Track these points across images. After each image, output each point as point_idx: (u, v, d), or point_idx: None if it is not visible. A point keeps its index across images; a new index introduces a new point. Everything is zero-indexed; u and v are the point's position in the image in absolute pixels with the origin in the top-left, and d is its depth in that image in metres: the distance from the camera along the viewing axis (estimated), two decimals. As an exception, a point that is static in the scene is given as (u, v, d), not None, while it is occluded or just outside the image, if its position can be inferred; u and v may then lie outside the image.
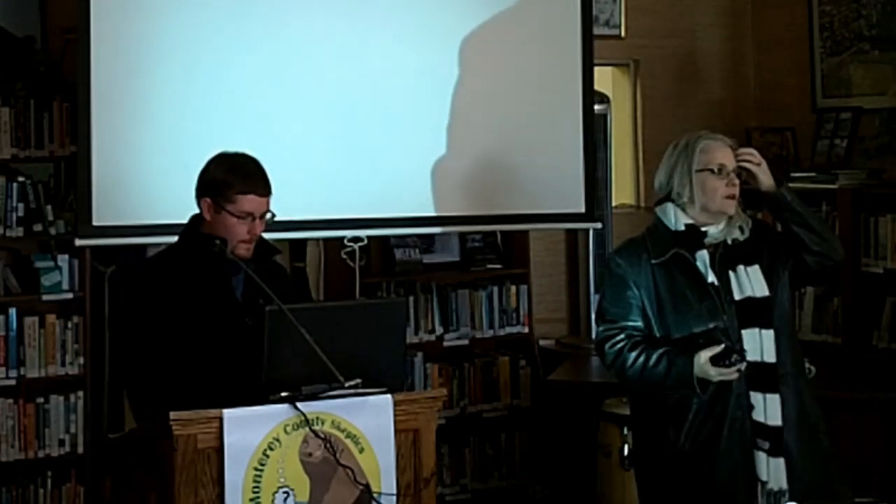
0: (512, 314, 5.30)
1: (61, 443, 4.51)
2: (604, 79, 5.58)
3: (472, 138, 4.72)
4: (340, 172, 4.48)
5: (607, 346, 3.30)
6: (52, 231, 4.49)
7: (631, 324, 3.29)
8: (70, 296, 4.53)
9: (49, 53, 4.66)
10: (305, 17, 4.44)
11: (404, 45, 4.59)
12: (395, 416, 2.98)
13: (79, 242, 4.23)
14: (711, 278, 3.24)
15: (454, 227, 4.76)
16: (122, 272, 4.39)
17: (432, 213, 4.66)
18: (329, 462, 2.89)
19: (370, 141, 4.53)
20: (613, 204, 5.49)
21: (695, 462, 3.24)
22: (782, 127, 5.60)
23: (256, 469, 2.84)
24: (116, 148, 4.18)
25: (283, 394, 2.87)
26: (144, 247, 4.32)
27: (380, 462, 2.95)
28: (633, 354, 3.24)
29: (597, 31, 5.10)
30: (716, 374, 3.15)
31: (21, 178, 4.47)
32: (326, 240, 4.85)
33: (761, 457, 3.23)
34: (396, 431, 2.98)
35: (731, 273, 3.28)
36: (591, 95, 4.94)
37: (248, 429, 2.83)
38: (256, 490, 2.84)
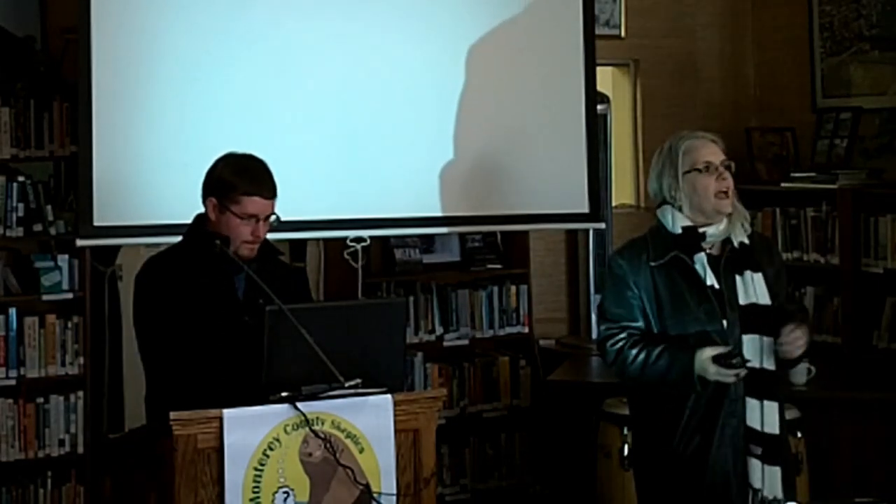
0: (512, 314, 5.30)
1: (61, 443, 4.51)
2: (604, 79, 5.57)
3: (473, 139, 4.71)
4: (341, 172, 4.48)
5: (608, 344, 3.30)
6: (52, 231, 4.49)
7: (632, 324, 3.29)
8: (70, 296, 4.53)
9: (49, 53, 4.66)
10: (306, 16, 4.44)
11: (405, 46, 4.59)
12: (395, 416, 2.98)
13: (79, 242, 4.22)
14: (710, 281, 3.23)
15: (454, 227, 4.76)
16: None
17: (433, 214, 4.65)
18: (329, 462, 2.90)
19: (371, 141, 4.53)
20: (613, 204, 5.49)
21: (689, 465, 3.23)
22: (782, 127, 5.60)
23: (256, 469, 2.84)
24: (116, 148, 4.18)
25: (283, 394, 2.87)
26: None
27: (380, 462, 2.95)
28: (634, 352, 3.24)
29: (597, 31, 5.09)
30: (714, 371, 3.13)
31: (21, 178, 4.47)
32: (327, 240, 4.85)
33: (755, 464, 3.22)
34: (396, 431, 2.98)
35: (737, 277, 3.26)
36: (593, 95, 4.93)
37: (249, 429, 2.84)
38: (256, 490, 2.84)
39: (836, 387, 4.51)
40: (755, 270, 3.26)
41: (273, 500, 2.85)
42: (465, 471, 5.18)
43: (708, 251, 3.28)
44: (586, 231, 5.36)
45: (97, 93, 4.15)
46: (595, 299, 5.33)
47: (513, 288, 5.31)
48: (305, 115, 4.43)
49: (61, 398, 4.51)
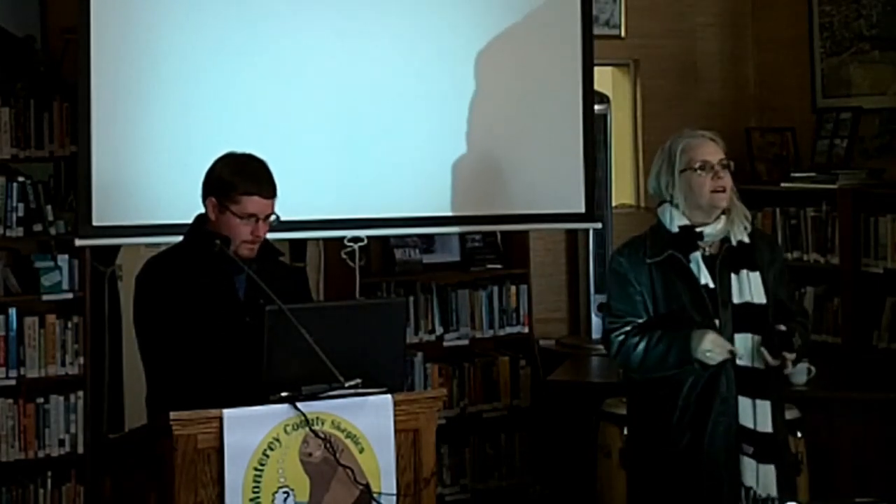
0: (512, 314, 5.30)
1: (61, 443, 4.51)
2: (604, 79, 5.58)
3: (472, 139, 4.71)
4: (341, 172, 4.48)
5: (612, 336, 3.35)
6: (52, 231, 4.49)
7: (636, 319, 3.31)
8: (70, 296, 4.53)
9: (49, 53, 4.66)
10: (306, 17, 4.43)
11: (405, 47, 4.59)
12: (395, 416, 2.98)
13: (79, 242, 4.22)
14: (705, 280, 3.24)
15: (454, 227, 4.76)
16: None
17: (432, 213, 4.65)
18: (329, 462, 2.89)
19: (370, 141, 4.53)
20: (613, 204, 5.49)
21: (681, 462, 3.24)
22: (782, 127, 5.60)
23: (256, 469, 2.84)
24: (116, 148, 4.18)
25: (283, 394, 2.87)
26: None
27: (380, 462, 2.95)
28: (636, 340, 3.27)
29: (597, 31, 5.10)
30: (710, 343, 3.15)
31: (21, 178, 4.47)
32: (326, 240, 4.85)
33: (747, 462, 3.22)
34: (396, 431, 2.98)
35: (733, 275, 3.27)
36: (591, 95, 4.93)
37: (248, 429, 2.83)
38: (256, 490, 2.84)
39: (836, 387, 4.51)
40: (752, 269, 3.27)
41: (273, 500, 2.85)
42: (465, 471, 5.18)
43: (706, 250, 3.28)
44: (586, 231, 5.36)
45: (97, 93, 4.15)
46: (595, 299, 5.34)
47: (513, 288, 5.31)
48: (305, 114, 4.43)
49: (61, 398, 4.50)
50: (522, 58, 4.82)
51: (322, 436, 2.89)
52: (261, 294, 3.06)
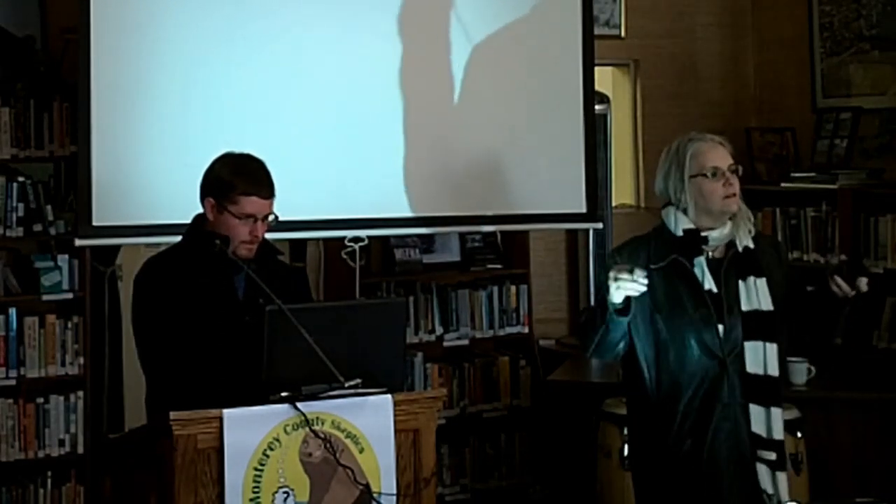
0: (512, 314, 5.30)
1: (61, 443, 4.51)
2: (604, 79, 5.58)
3: (472, 138, 4.72)
4: (341, 172, 4.48)
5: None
6: (52, 231, 4.50)
7: None
8: (70, 296, 4.53)
9: (49, 53, 4.66)
10: (306, 17, 4.44)
11: (405, 46, 4.59)
12: (395, 416, 2.98)
13: (79, 242, 4.22)
14: (708, 285, 3.20)
15: (454, 227, 4.76)
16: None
17: (432, 213, 4.65)
18: (329, 462, 2.89)
19: (370, 141, 4.53)
20: (613, 204, 5.49)
21: (684, 466, 3.22)
22: (782, 127, 5.60)
23: (256, 469, 2.84)
24: (116, 148, 4.18)
25: (283, 394, 2.87)
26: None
27: (380, 462, 2.95)
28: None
29: (597, 31, 5.10)
30: (613, 274, 3.02)
31: (21, 178, 4.47)
32: (326, 240, 4.85)
33: (764, 469, 3.19)
34: (396, 431, 2.98)
35: (741, 282, 3.23)
36: (591, 95, 4.93)
37: (248, 429, 2.83)
38: (256, 490, 2.84)
39: (836, 387, 4.52)
40: (759, 276, 3.23)
41: (273, 500, 2.85)
42: (465, 471, 5.18)
43: (710, 254, 3.26)
44: (586, 231, 5.36)
45: (97, 93, 4.15)
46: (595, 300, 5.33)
47: (513, 288, 5.31)
48: (305, 114, 4.43)
49: (61, 398, 4.51)
50: (524, 58, 4.82)
51: (322, 436, 2.89)
52: (260, 294, 3.06)
